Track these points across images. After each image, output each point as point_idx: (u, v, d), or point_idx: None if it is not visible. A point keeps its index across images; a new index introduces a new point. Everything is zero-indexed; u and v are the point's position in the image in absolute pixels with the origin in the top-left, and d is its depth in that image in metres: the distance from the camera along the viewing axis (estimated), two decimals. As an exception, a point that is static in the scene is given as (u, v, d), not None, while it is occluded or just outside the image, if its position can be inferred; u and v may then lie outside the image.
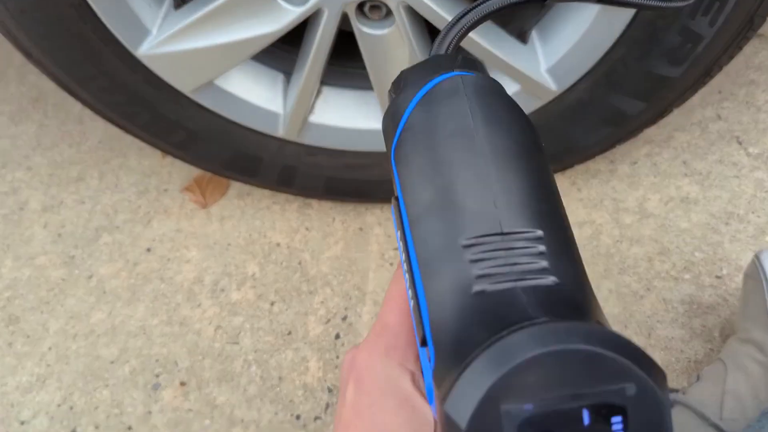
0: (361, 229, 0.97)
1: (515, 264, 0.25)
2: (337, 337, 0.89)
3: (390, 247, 0.95)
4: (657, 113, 0.79)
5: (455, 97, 0.29)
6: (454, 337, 0.25)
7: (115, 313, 0.96)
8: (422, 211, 0.28)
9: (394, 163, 0.31)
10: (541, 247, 0.25)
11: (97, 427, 0.87)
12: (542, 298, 0.24)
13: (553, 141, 0.84)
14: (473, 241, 0.25)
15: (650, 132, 0.96)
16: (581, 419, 0.22)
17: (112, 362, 0.92)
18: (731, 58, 0.71)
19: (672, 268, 0.85)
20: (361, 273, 0.94)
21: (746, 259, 0.83)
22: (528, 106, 0.80)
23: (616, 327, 0.82)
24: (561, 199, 0.28)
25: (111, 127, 0.88)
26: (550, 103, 0.79)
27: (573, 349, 0.22)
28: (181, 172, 1.09)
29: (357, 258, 0.95)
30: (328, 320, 0.91)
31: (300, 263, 0.96)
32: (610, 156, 0.94)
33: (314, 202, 1.01)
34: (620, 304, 0.83)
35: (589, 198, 0.92)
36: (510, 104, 0.30)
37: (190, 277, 0.98)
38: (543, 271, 0.25)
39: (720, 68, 0.72)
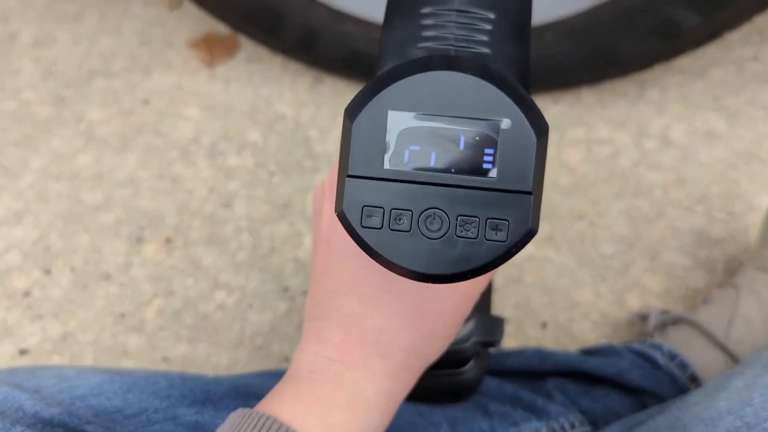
0: (373, 114, 0.93)
1: (460, 35, 0.28)
2: (336, 217, 0.86)
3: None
4: (709, 33, 0.76)
5: None
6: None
7: (103, 160, 0.91)
8: None
9: None
10: (488, 27, 0.28)
11: (73, 270, 0.83)
12: (469, 57, 0.27)
13: (596, 48, 0.80)
14: (430, 10, 0.28)
15: (685, 63, 0.93)
16: (457, 142, 0.24)
17: (95, 208, 0.88)
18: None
19: (686, 198, 0.83)
20: (368, 158, 0.90)
21: (761, 200, 0.82)
22: (581, 4, 0.76)
23: (621, 247, 0.81)
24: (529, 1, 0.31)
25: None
26: (604, 4, 0.75)
27: (460, 76, 0.24)
28: (189, 27, 1.03)
29: (366, 142, 0.91)
30: (329, 199, 0.87)
31: (305, 139, 0.92)
32: (641, 80, 0.91)
33: (328, 79, 0.96)
34: (630, 226, 0.82)
35: (613, 118, 0.89)
36: None
37: (188, 136, 0.93)
38: (480, 44, 0.27)
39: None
